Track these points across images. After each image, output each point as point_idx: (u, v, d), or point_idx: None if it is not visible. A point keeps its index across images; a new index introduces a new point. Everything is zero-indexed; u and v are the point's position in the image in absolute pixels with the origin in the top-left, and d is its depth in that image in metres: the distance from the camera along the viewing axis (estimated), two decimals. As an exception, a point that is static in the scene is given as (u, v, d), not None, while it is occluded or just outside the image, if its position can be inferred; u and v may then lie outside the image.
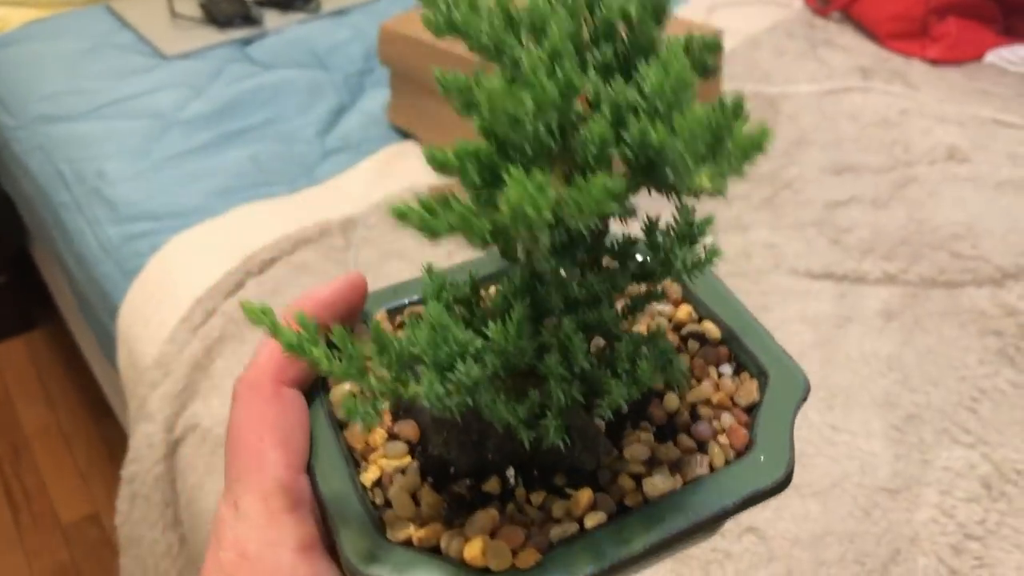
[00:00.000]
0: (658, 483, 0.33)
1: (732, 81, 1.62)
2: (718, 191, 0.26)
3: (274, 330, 0.31)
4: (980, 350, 1.08)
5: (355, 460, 0.35)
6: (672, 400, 0.37)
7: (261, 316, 0.31)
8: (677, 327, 0.40)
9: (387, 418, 0.37)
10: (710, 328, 0.40)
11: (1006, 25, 1.76)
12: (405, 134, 1.56)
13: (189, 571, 1.15)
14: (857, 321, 1.13)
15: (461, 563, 0.31)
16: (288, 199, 1.41)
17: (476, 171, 0.27)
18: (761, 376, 0.37)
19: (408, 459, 0.35)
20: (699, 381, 0.37)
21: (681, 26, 1.37)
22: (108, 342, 1.36)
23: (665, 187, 0.29)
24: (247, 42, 1.82)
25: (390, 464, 0.35)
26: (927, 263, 1.20)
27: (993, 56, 1.70)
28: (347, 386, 0.37)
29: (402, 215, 0.27)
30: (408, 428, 0.37)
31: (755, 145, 0.26)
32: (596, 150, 0.27)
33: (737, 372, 0.38)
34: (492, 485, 0.34)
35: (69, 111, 1.61)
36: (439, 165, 0.28)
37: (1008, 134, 1.46)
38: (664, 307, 0.41)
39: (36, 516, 1.88)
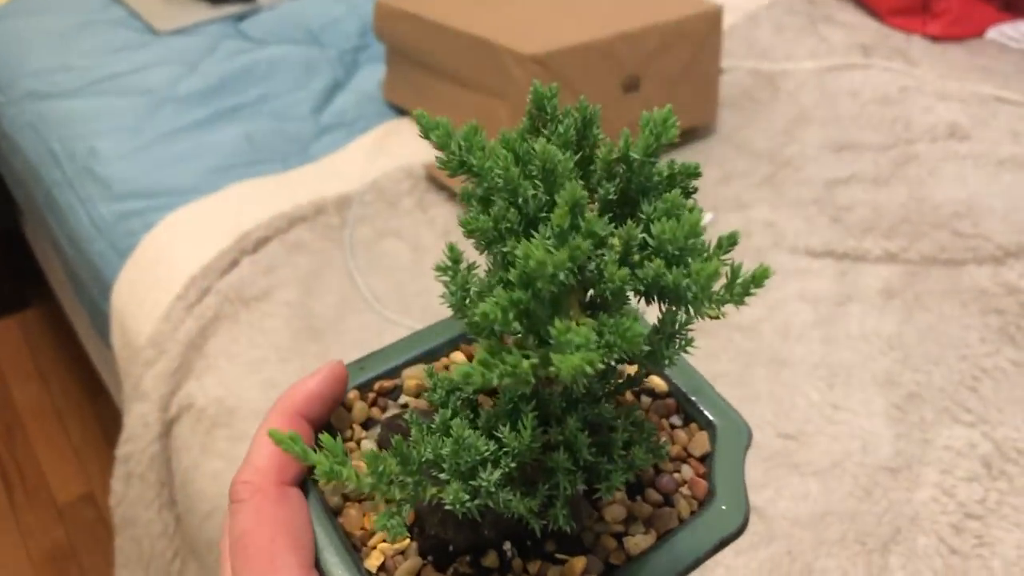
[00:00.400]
0: (639, 541, 0.36)
1: (731, 57, 1.61)
2: (719, 317, 0.31)
3: (305, 456, 0.33)
4: (981, 328, 1.07)
5: (355, 546, 0.37)
6: (637, 452, 0.39)
7: (291, 444, 0.33)
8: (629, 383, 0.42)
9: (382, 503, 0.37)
10: (657, 382, 0.42)
11: (1007, 1, 1.74)
12: (401, 111, 1.54)
13: (185, 551, 1.14)
14: (857, 300, 1.12)
15: None
16: (282, 177, 1.39)
17: (517, 320, 0.29)
18: (709, 427, 0.41)
19: (407, 541, 0.37)
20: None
21: (680, 4, 1.35)
22: (101, 321, 1.35)
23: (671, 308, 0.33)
24: (241, 18, 1.80)
25: (390, 548, 0.36)
26: (928, 241, 1.19)
27: (994, 32, 1.68)
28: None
29: (467, 376, 0.28)
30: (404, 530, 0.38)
31: (757, 283, 0.30)
32: (616, 288, 0.30)
33: (686, 423, 0.41)
34: (491, 560, 0.36)
35: (60, 88, 1.59)
36: (478, 327, 0.30)
37: (1009, 111, 1.44)
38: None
39: (31, 495, 1.87)
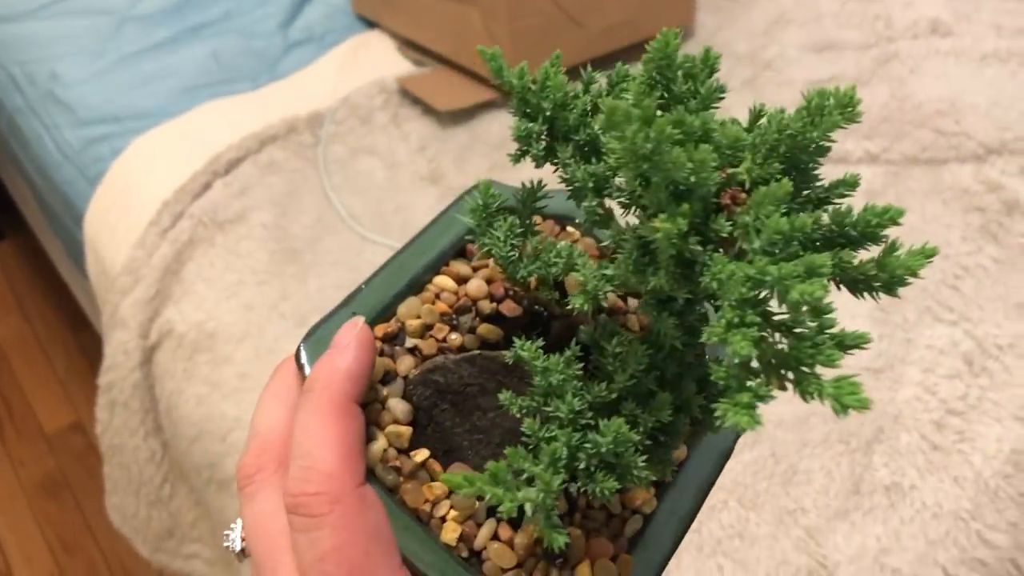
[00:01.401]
0: (678, 454, 0.37)
1: (709, -43, 1.56)
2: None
3: (482, 492, 0.28)
4: (963, 227, 1.06)
5: (422, 521, 0.34)
6: None
7: (469, 486, 0.28)
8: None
9: (435, 465, 0.35)
10: None
11: None
12: (370, 23, 1.50)
13: (174, 475, 1.15)
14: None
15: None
16: (251, 96, 1.36)
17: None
18: None
19: (476, 504, 0.34)
20: None
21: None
22: (76, 250, 1.33)
23: None
24: (200, -70, 1.73)
25: (461, 515, 0.33)
26: (910, 141, 1.18)
27: (977, -77, 1.64)
28: (378, 445, 0.34)
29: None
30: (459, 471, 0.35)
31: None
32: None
33: None
34: (561, 506, 0.34)
35: (15, 10, 1.53)
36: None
37: (992, 4, 1.42)
38: None
39: (19, 427, 1.88)
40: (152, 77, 1.39)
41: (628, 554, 0.34)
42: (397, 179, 1.23)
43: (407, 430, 0.34)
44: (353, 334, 0.34)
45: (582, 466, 0.29)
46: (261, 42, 1.46)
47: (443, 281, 0.38)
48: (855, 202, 0.31)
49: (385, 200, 1.20)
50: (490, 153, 1.25)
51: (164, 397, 1.08)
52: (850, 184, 0.31)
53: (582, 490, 0.31)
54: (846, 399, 0.25)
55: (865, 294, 0.30)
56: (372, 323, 0.36)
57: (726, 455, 0.37)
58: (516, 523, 0.34)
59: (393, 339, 0.37)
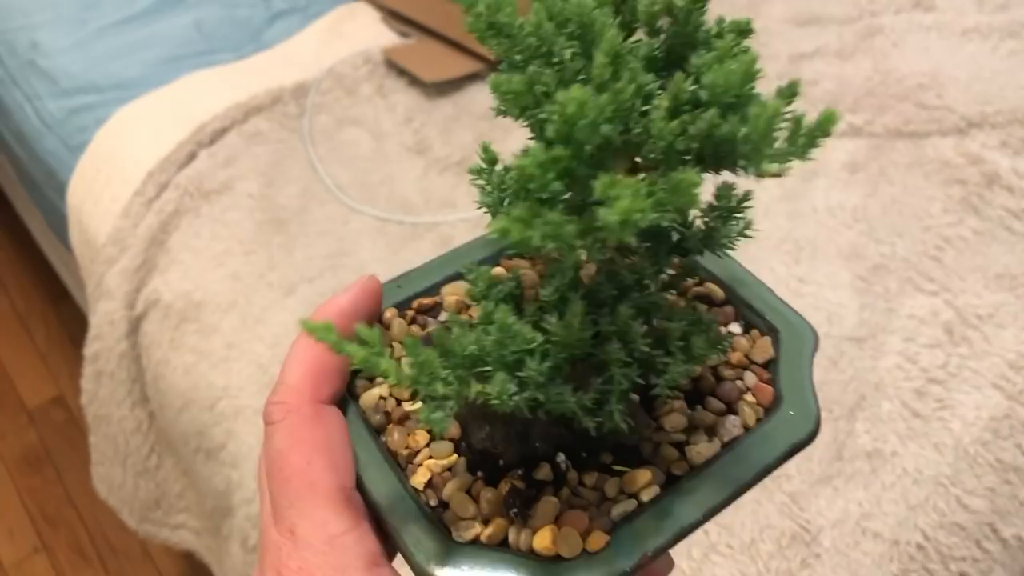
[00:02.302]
0: (702, 450, 0.34)
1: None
2: (781, 174, 0.28)
3: (340, 348, 0.29)
4: (944, 199, 1.08)
5: (400, 465, 0.35)
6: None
7: (326, 334, 0.29)
8: (683, 291, 0.40)
9: (414, 409, 0.36)
10: (713, 289, 0.39)
11: None
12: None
13: (161, 446, 1.15)
14: (823, 174, 1.12)
15: (532, 554, 0.31)
16: (236, 66, 1.35)
17: (557, 179, 0.26)
18: (772, 332, 0.38)
19: (455, 457, 0.35)
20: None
21: None
22: (58, 221, 1.32)
23: (729, 172, 0.30)
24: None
25: (438, 464, 0.34)
26: (892, 114, 1.19)
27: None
28: (377, 391, 0.36)
29: (504, 231, 0.26)
30: (450, 426, 0.36)
31: (822, 131, 0.27)
32: (665, 145, 0.27)
33: (746, 330, 0.39)
34: (544, 473, 0.34)
35: (-6, -23, 1.51)
36: (527, 176, 0.27)
37: (974, -20, 1.43)
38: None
39: (0, 401, 1.87)
40: (134, 47, 1.38)
41: (607, 533, 0.32)
42: (383, 150, 1.22)
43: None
44: (359, 281, 0.36)
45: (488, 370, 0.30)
46: (244, 11, 1.45)
47: (497, 272, 0.39)
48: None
49: (371, 171, 1.20)
50: (476, 124, 1.25)
51: (151, 367, 1.08)
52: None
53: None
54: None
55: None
56: (414, 297, 0.39)
57: (767, 468, 0.34)
58: (493, 483, 0.34)
59: (428, 311, 0.39)
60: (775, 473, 0.82)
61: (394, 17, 1.43)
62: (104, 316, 1.11)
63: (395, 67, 1.33)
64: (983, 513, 0.84)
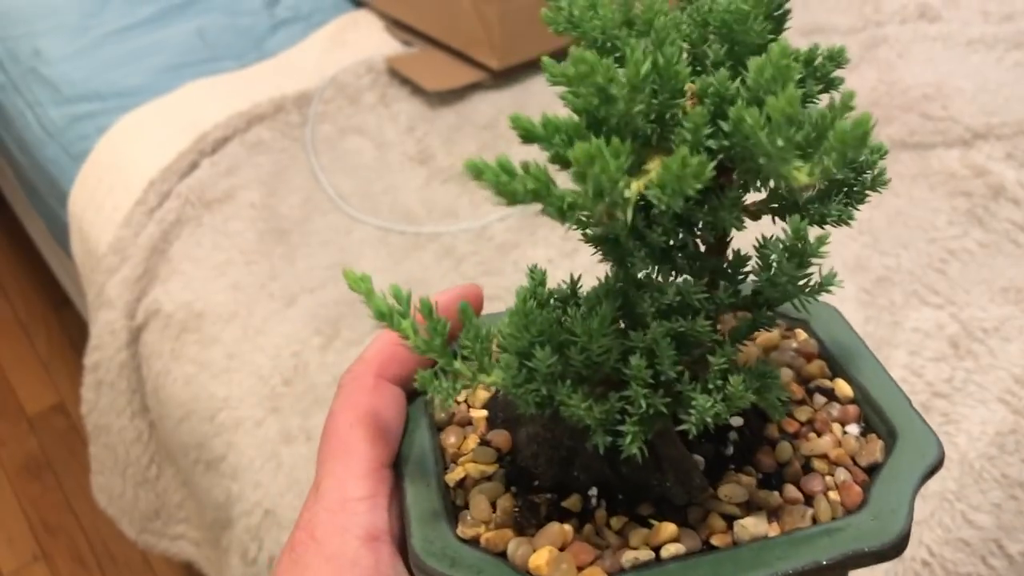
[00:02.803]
0: (750, 526, 0.31)
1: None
2: (813, 185, 0.26)
3: (368, 297, 0.31)
4: (949, 211, 1.07)
5: (445, 461, 0.35)
6: (785, 450, 0.35)
7: (359, 283, 0.30)
8: (805, 380, 0.38)
9: (482, 426, 0.37)
10: (842, 386, 0.37)
11: None
12: (357, 2, 1.49)
13: (161, 456, 1.14)
14: (827, 186, 1.12)
15: (524, 571, 0.31)
16: (238, 74, 1.35)
17: (563, 144, 0.25)
18: (890, 437, 0.34)
19: (496, 467, 0.35)
20: (819, 435, 0.35)
21: None
22: (59, 229, 1.31)
23: (761, 180, 0.29)
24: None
25: (477, 468, 0.35)
26: (898, 125, 1.18)
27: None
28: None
29: (478, 172, 0.25)
30: (501, 438, 0.36)
31: (858, 139, 0.25)
32: (691, 136, 0.26)
33: (864, 433, 0.36)
34: (573, 503, 0.33)
35: (-3, -15, 1.51)
36: (525, 132, 0.27)
37: (979, -10, 1.42)
38: (794, 359, 0.38)
39: (1, 408, 1.86)
40: (137, 54, 1.38)
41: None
42: (386, 159, 1.22)
43: (484, 396, 0.38)
44: (461, 285, 0.37)
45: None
46: (247, 20, 1.45)
47: None
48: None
49: (374, 180, 1.19)
50: (479, 134, 1.25)
51: (151, 377, 1.07)
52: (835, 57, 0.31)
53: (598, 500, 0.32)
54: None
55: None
56: None
57: (816, 566, 0.30)
58: (519, 498, 0.34)
59: None
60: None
61: (397, 26, 1.42)
62: (105, 326, 1.11)
63: (398, 76, 1.33)
64: (989, 529, 0.83)
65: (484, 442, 0.36)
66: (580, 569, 0.30)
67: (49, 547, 1.63)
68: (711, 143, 0.27)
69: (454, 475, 0.34)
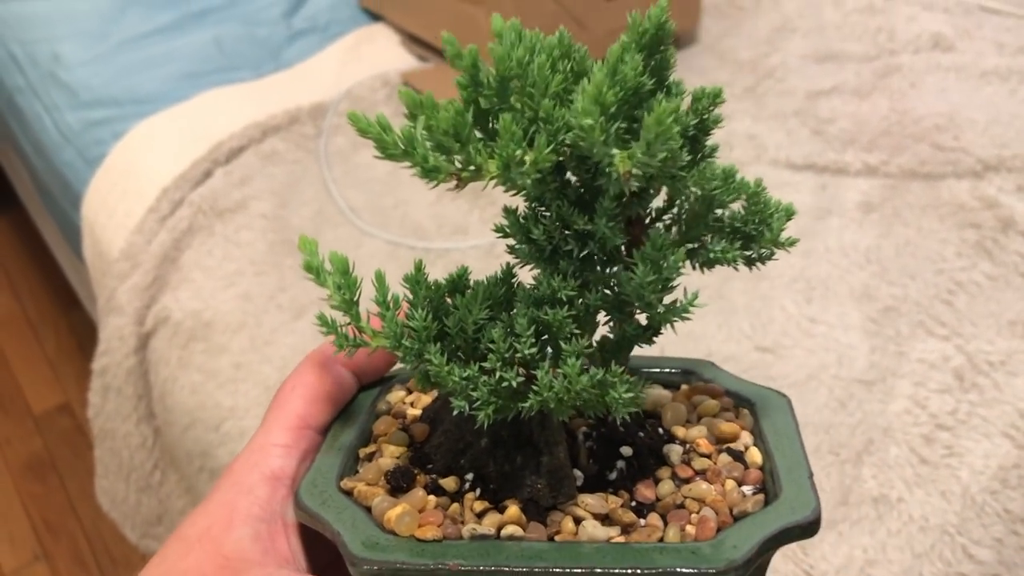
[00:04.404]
0: (590, 528, 0.33)
1: (714, -37, 1.57)
2: (640, 176, 0.30)
3: (310, 255, 0.35)
4: (958, 243, 1.07)
5: (366, 440, 0.39)
6: (666, 487, 0.36)
7: (306, 244, 0.36)
8: (720, 440, 0.39)
9: (411, 421, 0.40)
10: (754, 454, 0.38)
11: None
12: (374, 16, 1.50)
13: (165, 462, 1.15)
14: (837, 213, 1.12)
15: (378, 523, 0.34)
16: (254, 84, 1.36)
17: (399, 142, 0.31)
18: (774, 497, 0.35)
19: (404, 449, 0.38)
20: (708, 483, 0.36)
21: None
22: (72, 233, 1.32)
23: (592, 174, 0.33)
24: (206, -84, 1.72)
25: (387, 447, 0.38)
26: (908, 155, 1.19)
27: (981, -61, 1.65)
28: (402, 394, 0.42)
29: (362, 125, 0.30)
30: (419, 430, 0.39)
31: (660, 129, 0.28)
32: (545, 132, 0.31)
33: (755, 494, 0.37)
34: (449, 483, 0.36)
35: (19, -11, 1.53)
36: (360, 130, 0.31)
37: (995, 21, 1.43)
38: (716, 424, 0.40)
39: (6, 406, 1.87)
40: (154, 61, 1.39)
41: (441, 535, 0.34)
42: (398, 174, 1.23)
43: (427, 400, 0.41)
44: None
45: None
46: (264, 30, 1.46)
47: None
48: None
49: (385, 194, 1.20)
50: (491, 151, 1.25)
51: (158, 384, 1.08)
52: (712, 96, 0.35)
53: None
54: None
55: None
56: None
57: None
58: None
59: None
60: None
61: (413, 40, 1.43)
62: (114, 331, 1.11)
63: (413, 91, 1.34)
64: (990, 564, 0.83)
65: (404, 429, 0.39)
66: (421, 527, 0.33)
67: (50, 547, 1.64)
68: (566, 138, 0.31)
69: (367, 449, 0.38)
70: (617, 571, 0.31)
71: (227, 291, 1.08)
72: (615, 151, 0.29)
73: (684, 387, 0.42)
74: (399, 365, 0.40)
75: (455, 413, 0.34)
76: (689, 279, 0.36)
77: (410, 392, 0.41)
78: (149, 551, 1.20)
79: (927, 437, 0.90)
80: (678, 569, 0.31)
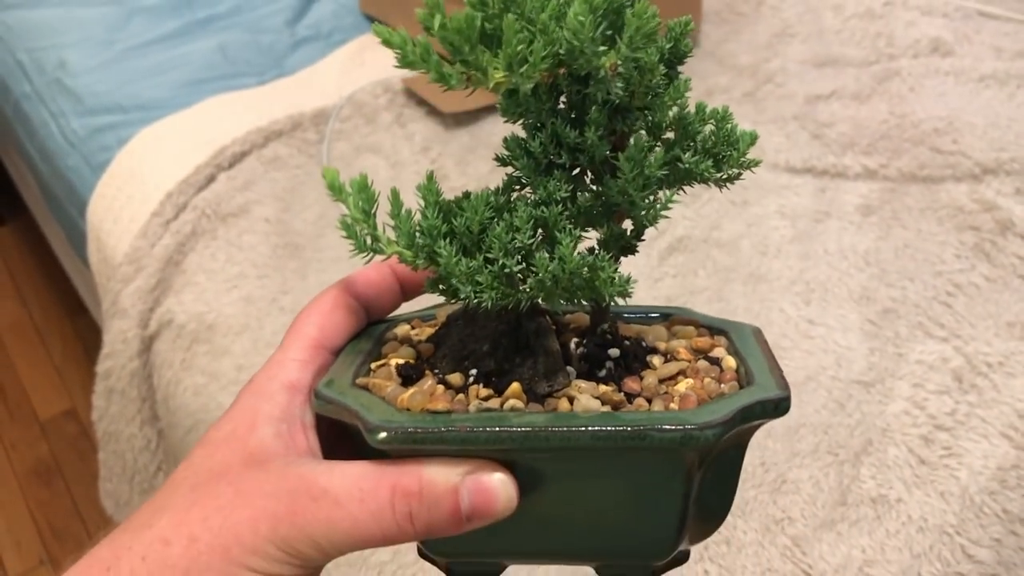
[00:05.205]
0: (584, 401, 0.36)
1: (715, -31, 1.58)
2: (623, 76, 0.35)
3: (332, 179, 0.40)
4: (957, 245, 1.08)
5: (379, 356, 0.42)
6: (650, 379, 0.39)
7: (329, 172, 0.39)
8: (697, 351, 0.42)
9: (419, 340, 0.43)
10: (729, 360, 0.41)
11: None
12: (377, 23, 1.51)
13: (168, 464, 1.16)
14: (836, 216, 1.13)
15: (392, 405, 0.36)
16: (258, 91, 1.37)
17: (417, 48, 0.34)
18: (746, 384, 0.39)
19: (412, 358, 0.41)
20: (688, 378, 0.40)
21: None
22: (78, 237, 1.33)
23: (582, 92, 0.36)
24: (211, -76, 1.74)
25: (396, 359, 0.40)
26: (907, 158, 1.19)
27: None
28: (408, 327, 0.44)
29: (387, 37, 0.34)
30: (426, 347, 0.41)
31: (643, 24, 0.33)
32: (541, 35, 0.34)
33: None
34: (454, 378, 0.38)
35: (26, -3, 1.54)
36: (384, 40, 0.35)
37: (993, 26, 1.43)
38: (694, 341, 0.43)
39: (13, 412, 1.88)
40: (159, 68, 1.40)
41: (450, 408, 0.37)
42: (400, 178, 1.24)
43: (430, 331, 0.43)
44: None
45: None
46: (268, 37, 1.47)
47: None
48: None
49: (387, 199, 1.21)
50: (492, 155, 1.26)
51: (161, 386, 1.09)
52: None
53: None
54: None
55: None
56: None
57: (593, 437, 0.34)
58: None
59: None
60: (778, 516, 0.81)
61: (415, 47, 1.44)
62: (118, 334, 1.12)
63: (414, 97, 1.35)
64: (988, 564, 0.83)
65: (412, 347, 0.42)
66: (431, 403, 0.36)
67: (56, 552, 1.65)
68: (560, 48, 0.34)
69: (378, 361, 0.40)
70: (608, 428, 0.34)
71: (230, 294, 1.09)
72: (602, 47, 0.33)
73: (663, 323, 0.45)
74: (403, 308, 0.44)
75: (459, 322, 0.37)
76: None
77: (414, 328, 0.44)
78: (153, 554, 1.21)
79: (926, 438, 0.90)
80: (663, 426, 0.34)
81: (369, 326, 0.43)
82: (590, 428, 0.34)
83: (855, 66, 1.38)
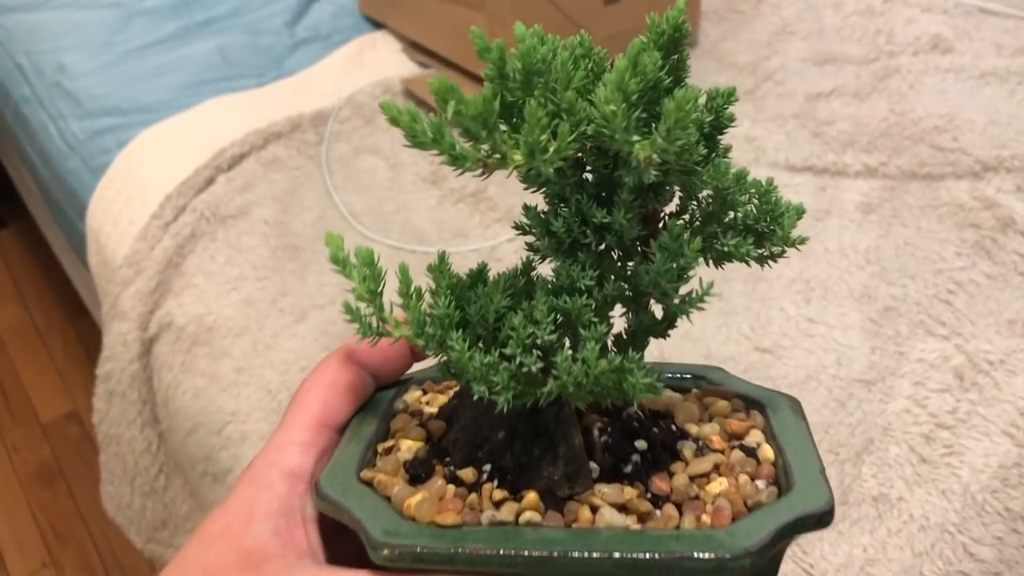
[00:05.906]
0: (608, 515, 0.34)
1: (714, -32, 1.57)
2: (658, 164, 0.31)
3: (336, 249, 0.35)
4: (957, 243, 1.07)
5: (385, 435, 0.39)
6: (681, 480, 0.36)
7: (332, 239, 0.35)
8: (732, 437, 0.39)
9: (430, 412, 0.40)
10: (766, 450, 0.38)
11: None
12: (376, 24, 1.51)
13: (169, 467, 1.16)
14: (836, 214, 1.12)
15: (398, 509, 0.34)
16: (257, 92, 1.37)
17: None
18: (787, 490, 0.35)
19: (422, 444, 0.38)
20: (721, 476, 0.37)
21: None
22: (78, 240, 1.33)
23: (610, 169, 0.34)
24: (210, -74, 1.74)
25: (405, 442, 0.38)
26: (908, 156, 1.19)
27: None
28: (418, 394, 0.42)
29: (394, 114, 0.31)
30: (436, 426, 0.39)
31: (680, 114, 0.29)
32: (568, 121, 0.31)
33: (768, 487, 0.37)
34: (467, 474, 0.36)
35: (24, 0, 1.54)
36: (391, 119, 0.32)
37: (993, 23, 1.43)
38: (727, 422, 0.40)
39: (15, 414, 1.88)
40: (158, 71, 1.40)
41: (459, 521, 0.34)
42: (399, 179, 1.24)
43: (443, 399, 0.41)
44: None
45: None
46: (268, 39, 1.47)
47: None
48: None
49: (386, 200, 1.21)
50: (492, 156, 1.26)
51: (162, 389, 1.09)
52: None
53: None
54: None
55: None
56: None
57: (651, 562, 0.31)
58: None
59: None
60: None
61: (415, 48, 1.44)
62: (117, 337, 1.12)
63: (414, 97, 1.35)
64: (990, 563, 0.83)
65: (421, 425, 0.39)
66: (440, 513, 0.34)
67: (58, 554, 1.65)
68: (588, 129, 0.31)
69: (386, 444, 0.38)
70: (635, 556, 0.31)
71: (229, 296, 1.09)
72: (636, 137, 0.30)
73: (694, 390, 0.42)
74: (416, 367, 0.41)
75: (475, 398, 0.34)
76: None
77: (426, 393, 0.42)
78: (154, 556, 1.21)
79: (927, 436, 0.90)
80: (695, 555, 0.31)
81: (377, 392, 0.41)
82: (614, 555, 0.31)
83: (855, 64, 1.37)
